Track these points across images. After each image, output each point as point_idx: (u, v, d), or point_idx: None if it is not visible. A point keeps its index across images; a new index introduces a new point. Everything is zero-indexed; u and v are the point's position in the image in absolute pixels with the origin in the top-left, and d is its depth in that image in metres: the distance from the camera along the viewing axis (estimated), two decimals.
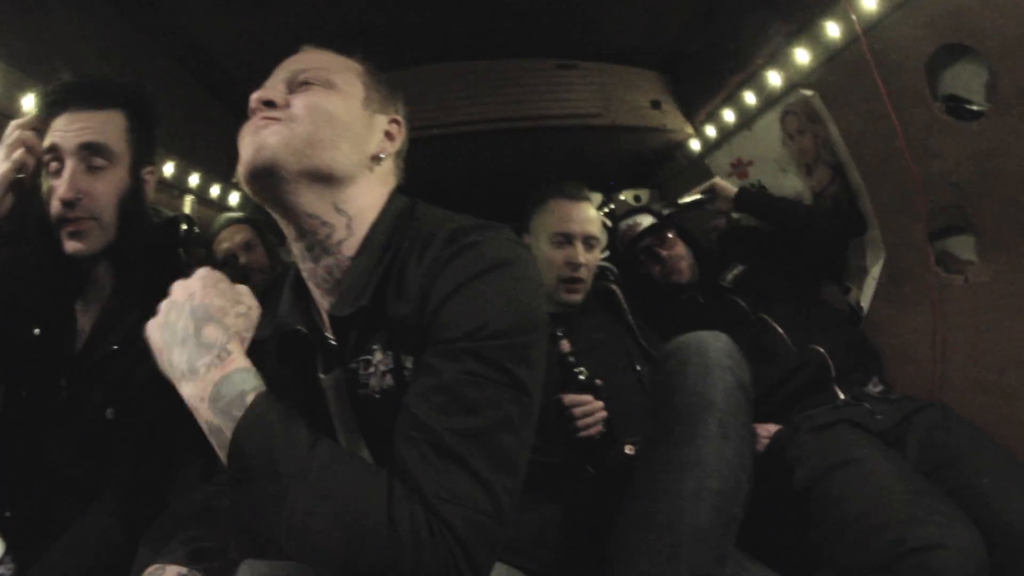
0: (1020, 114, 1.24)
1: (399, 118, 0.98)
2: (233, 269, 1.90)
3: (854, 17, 1.44)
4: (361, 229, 0.88)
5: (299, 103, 0.86)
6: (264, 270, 2.01)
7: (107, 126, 1.14)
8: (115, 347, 1.16)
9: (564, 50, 2.22)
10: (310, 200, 0.84)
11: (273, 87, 0.89)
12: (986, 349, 1.46)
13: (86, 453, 1.15)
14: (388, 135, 0.96)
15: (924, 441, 1.37)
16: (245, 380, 0.73)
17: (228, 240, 1.98)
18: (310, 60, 0.93)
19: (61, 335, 1.17)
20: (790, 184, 2.06)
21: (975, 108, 1.37)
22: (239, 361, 0.75)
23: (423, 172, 2.79)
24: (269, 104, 0.86)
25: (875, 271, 1.84)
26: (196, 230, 1.87)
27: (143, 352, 1.14)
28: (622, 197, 2.98)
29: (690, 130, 2.37)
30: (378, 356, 0.85)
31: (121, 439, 1.16)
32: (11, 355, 1.14)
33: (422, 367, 0.77)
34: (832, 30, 1.53)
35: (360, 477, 0.69)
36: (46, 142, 1.10)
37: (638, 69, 2.30)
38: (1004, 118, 1.28)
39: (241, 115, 0.87)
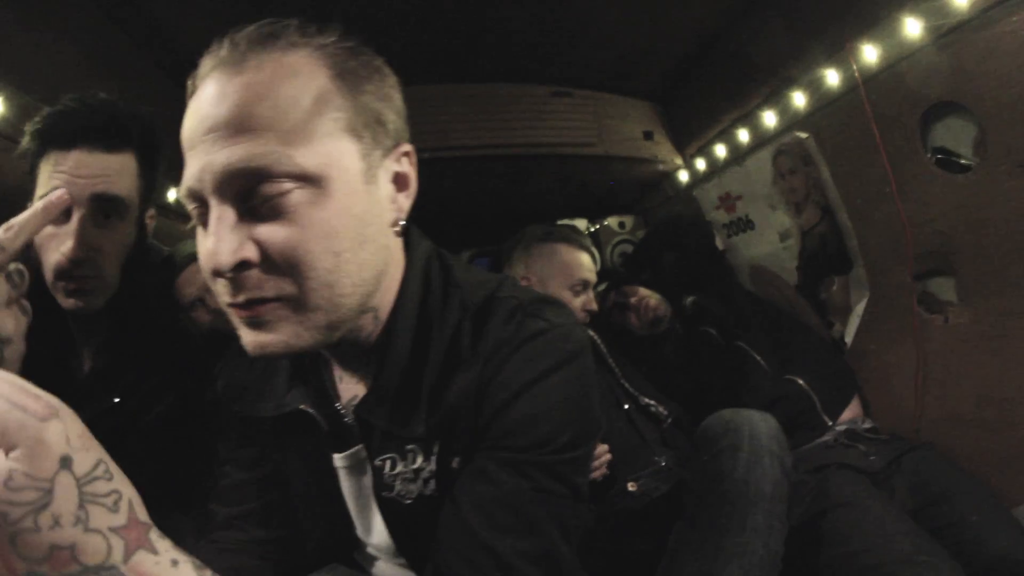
0: (1005, 172, 1.31)
1: (406, 147, 0.71)
2: (202, 315, 1.46)
3: (855, 67, 1.49)
4: (387, 307, 0.73)
5: (285, 255, 0.59)
6: None
7: (122, 175, 1.00)
8: (116, 400, 1.08)
9: (558, 77, 2.22)
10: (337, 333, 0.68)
11: (223, 221, 0.58)
12: (963, 385, 1.54)
13: None
14: (398, 180, 0.70)
15: (912, 482, 1.45)
16: None
17: (193, 283, 1.45)
18: (254, 118, 0.58)
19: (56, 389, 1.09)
20: (778, 220, 2.11)
21: (963, 162, 1.44)
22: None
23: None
24: (242, 267, 0.59)
25: (859, 308, 1.90)
26: None
27: (145, 404, 1.11)
28: (607, 223, 3.01)
29: (679, 162, 2.41)
30: (419, 460, 0.72)
31: None
32: None
33: (475, 471, 0.67)
34: (832, 78, 1.59)
35: None
36: (48, 181, 0.94)
37: (632, 99, 2.32)
38: (990, 174, 1.35)
39: None
